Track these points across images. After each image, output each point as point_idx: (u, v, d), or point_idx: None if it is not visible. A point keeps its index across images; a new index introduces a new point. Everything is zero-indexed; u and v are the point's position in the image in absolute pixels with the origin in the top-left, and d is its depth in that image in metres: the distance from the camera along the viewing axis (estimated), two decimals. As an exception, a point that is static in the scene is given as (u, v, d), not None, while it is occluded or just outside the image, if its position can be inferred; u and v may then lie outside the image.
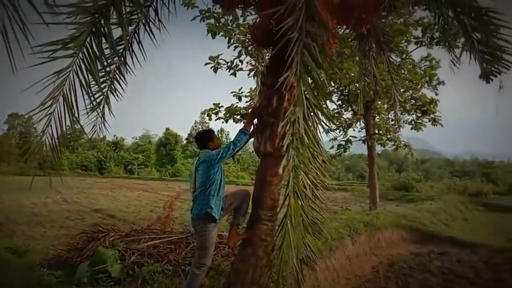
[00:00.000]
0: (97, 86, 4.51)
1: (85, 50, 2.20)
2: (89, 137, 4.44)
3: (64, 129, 2.47)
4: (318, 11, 2.84)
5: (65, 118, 2.35)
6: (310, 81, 2.45)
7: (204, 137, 4.39)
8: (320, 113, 2.54)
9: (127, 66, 4.63)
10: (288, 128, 2.34)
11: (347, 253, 9.37)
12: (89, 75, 2.21)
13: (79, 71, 2.22)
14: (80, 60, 2.23)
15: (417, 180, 26.71)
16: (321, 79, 2.52)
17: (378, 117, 14.83)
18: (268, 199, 3.78)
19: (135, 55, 4.57)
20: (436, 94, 13.56)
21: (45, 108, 2.23)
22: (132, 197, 21.02)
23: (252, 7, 4.03)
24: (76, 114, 2.33)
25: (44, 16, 2.06)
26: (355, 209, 16.02)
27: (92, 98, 2.23)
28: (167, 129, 52.61)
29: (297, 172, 2.29)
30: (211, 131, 4.55)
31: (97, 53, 2.14)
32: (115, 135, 54.70)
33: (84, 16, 2.16)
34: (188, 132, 58.08)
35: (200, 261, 3.95)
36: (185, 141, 56.09)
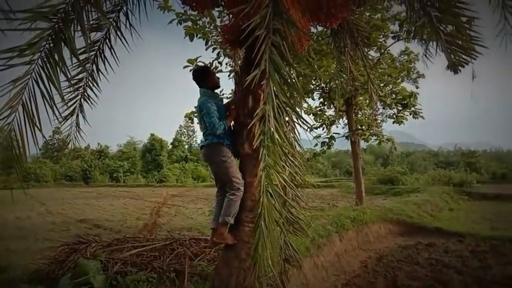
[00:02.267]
0: (70, 93, 4.45)
1: (45, 57, 2.13)
2: (66, 147, 4.32)
3: (26, 139, 2.39)
4: (286, 8, 2.81)
5: (26, 128, 2.27)
6: (280, 79, 2.42)
7: (196, 79, 4.20)
8: (291, 111, 2.50)
9: (100, 72, 4.56)
10: (258, 127, 2.30)
11: (335, 250, 9.39)
12: (50, 83, 2.14)
13: (39, 79, 2.15)
14: (40, 68, 2.15)
15: (402, 173, 26.98)
16: (292, 77, 2.49)
17: (360, 112, 14.92)
18: (249, 201, 3.73)
19: (107, 61, 4.49)
20: (417, 87, 13.74)
21: (3, 118, 2.15)
22: (118, 205, 20.75)
23: (222, 7, 3.99)
24: (38, 124, 2.25)
25: (1, 24, 1.99)
26: (342, 205, 16.12)
27: (56, 107, 2.15)
28: (152, 134, 52.22)
29: (269, 171, 2.25)
30: (202, 70, 4.37)
31: (57, 60, 2.07)
32: (99, 144, 54.15)
33: (43, 22, 2.09)
34: (174, 136, 57.79)
35: (230, 188, 3.81)
36: (170, 146, 55.72)
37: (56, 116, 2.17)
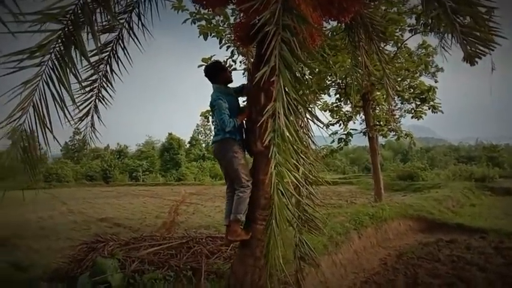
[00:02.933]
0: (84, 95, 4.50)
1: (55, 59, 2.14)
2: (85, 147, 4.38)
3: (37, 141, 2.41)
4: (296, 3, 2.76)
5: (37, 129, 2.29)
6: (290, 76, 2.38)
7: (208, 75, 4.20)
8: (302, 108, 2.46)
9: (114, 73, 4.59)
10: (269, 124, 2.27)
11: (354, 247, 9.28)
12: (60, 85, 2.14)
13: (50, 81, 2.16)
14: (51, 70, 2.16)
15: (422, 168, 26.51)
16: (303, 73, 2.45)
17: (378, 108, 14.71)
18: (262, 198, 3.70)
19: (121, 62, 4.52)
20: (436, 81, 13.46)
21: (14, 120, 2.16)
22: (137, 204, 21.01)
23: (233, 4, 3.96)
24: (48, 125, 2.26)
25: (11, 26, 2.00)
26: (361, 202, 15.94)
27: (67, 109, 2.16)
28: (170, 134, 52.73)
29: (280, 169, 2.22)
30: (213, 66, 4.32)
31: (67, 62, 2.07)
32: (118, 143, 55.02)
33: (53, 23, 2.11)
34: (191, 135, 58.21)
35: (237, 185, 3.81)
36: (188, 145, 56.15)
37: (67, 117, 2.18)
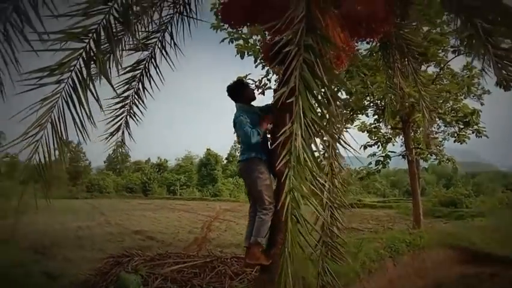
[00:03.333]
0: (116, 111, 4.60)
1: (75, 78, 2.18)
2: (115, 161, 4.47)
3: (52, 156, 2.46)
4: (322, 23, 2.69)
5: (53, 145, 2.33)
6: (311, 97, 2.30)
7: (231, 95, 4.15)
8: (323, 131, 2.36)
9: (146, 90, 4.69)
10: (285, 146, 2.20)
11: (388, 276, 8.89)
12: (77, 102, 2.17)
13: (69, 99, 2.20)
14: (70, 88, 2.20)
15: (466, 195, 25.20)
16: (324, 96, 2.36)
17: (418, 130, 14.21)
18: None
19: (153, 80, 4.61)
20: (482, 104, 12.87)
21: (30, 136, 2.21)
22: (173, 217, 21.26)
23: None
24: (65, 138, 2.30)
25: (36, 44, 2.07)
26: (399, 227, 15.29)
27: (82, 127, 2.18)
28: (208, 149, 53.50)
29: (295, 194, 2.12)
30: (235, 85, 4.21)
31: (87, 80, 2.11)
32: (158, 157, 56.48)
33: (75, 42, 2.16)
34: (228, 152, 58.79)
35: (260, 206, 3.71)
36: (225, 161, 56.65)
37: (83, 135, 2.21)
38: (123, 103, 4.57)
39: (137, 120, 4.73)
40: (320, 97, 2.36)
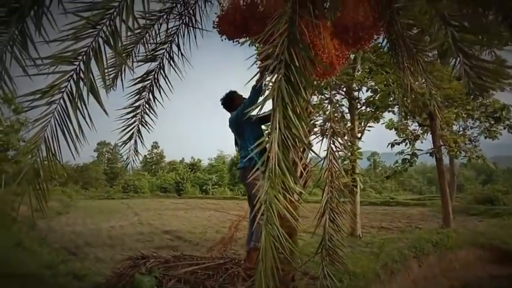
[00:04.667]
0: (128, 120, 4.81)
1: (66, 98, 2.36)
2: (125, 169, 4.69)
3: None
4: (305, 35, 2.76)
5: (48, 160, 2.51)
6: (286, 109, 2.37)
7: (225, 106, 4.41)
8: (300, 143, 2.42)
9: (156, 100, 4.88)
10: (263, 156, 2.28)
11: (412, 276, 8.75)
12: (68, 122, 2.35)
13: (61, 120, 2.38)
14: (63, 108, 2.38)
15: (504, 192, 24.15)
16: (302, 108, 2.43)
17: (447, 128, 13.82)
18: (283, 227, 3.65)
19: (163, 90, 4.81)
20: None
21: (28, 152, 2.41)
22: (203, 217, 21.62)
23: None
24: (59, 158, 2.48)
25: (30, 68, 2.27)
26: (429, 226, 14.91)
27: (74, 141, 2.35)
28: (238, 149, 53.82)
29: (270, 204, 2.21)
30: (227, 96, 4.47)
31: (76, 100, 2.28)
32: (192, 157, 57.58)
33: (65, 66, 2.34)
34: (260, 151, 59.02)
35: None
36: (256, 160, 56.89)
37: (71, 149, 2.39)
38: (134, 112, 4.77)
39: (148, 128, 4.92)
40: (298, 110, 2.42)
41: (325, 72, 3.10)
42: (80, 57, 2.34)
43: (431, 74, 5.28)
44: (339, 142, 3.94)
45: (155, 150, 61.97)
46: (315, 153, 3.02)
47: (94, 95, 2.29)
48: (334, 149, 3.99)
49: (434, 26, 2.58)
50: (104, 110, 2.28)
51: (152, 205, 30.87)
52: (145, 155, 58.54)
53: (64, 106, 2.37)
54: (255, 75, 3.13)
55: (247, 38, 3.49)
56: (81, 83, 2.49)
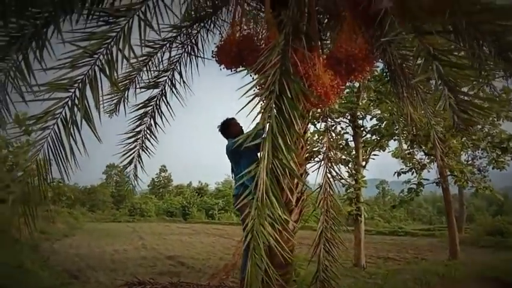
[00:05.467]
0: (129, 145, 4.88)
1: (60, 124, 2.43)
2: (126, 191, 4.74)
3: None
4: (297, 67, 2.81)
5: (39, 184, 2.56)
6: (276, 139, 2.40)
7: (222, 133, 4.48)
8: (291, 172, 2.44)
9: (157, 125, 4.96)
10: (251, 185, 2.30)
11: (417, 309, 8.52)
12: (61, 148, 2.41)
13: (55, 144, 2.45)
14: (57, 134, 2.45)
15: (515, 224, 23.56)
16: (291, 137, 2.46)
17: (455, 157, 13.70)
18: (277, 256, 3.62)
19: (164, 116, 4.90)
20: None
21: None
22: (207, 242, 21.39)
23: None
24: (49, 180, 2.54)
25: (26, 95, 2.35)
26: (438, 258, 14.60)
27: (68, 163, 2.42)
28: (245, 174, 53.61)
29: (257, 234, 2.21)
30: (223, 123, 4.55)
31: (71, 126, 2.34)
32: (199, 181, 57.38)
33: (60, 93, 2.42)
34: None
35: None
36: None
37: (61, 174, 2.44)
38: (135, 137, 4.84)
39: (149, 153, 4.98)
40: (288, 139, 2.45)
41: (319, 102, 3.14)
42: (76, 85, 2.41)
43: (432, 104, 5.30)
44: (336, 171, 3.94)
45: (163, 174, 61.96)
46: (305, 183, 3.03)
47: (87, 121, 2.35)
48: (330, 178, 3.99)
49: (422, 58, 2.62)
50: (97, 137, 2.33)
51: (158, 229, 30.69)
52: (152, 178, 58.57)
53: (57, 131, 2.44)
54: (251, 103, 3.17)
55: (243, 68, 3.57)
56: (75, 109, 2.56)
